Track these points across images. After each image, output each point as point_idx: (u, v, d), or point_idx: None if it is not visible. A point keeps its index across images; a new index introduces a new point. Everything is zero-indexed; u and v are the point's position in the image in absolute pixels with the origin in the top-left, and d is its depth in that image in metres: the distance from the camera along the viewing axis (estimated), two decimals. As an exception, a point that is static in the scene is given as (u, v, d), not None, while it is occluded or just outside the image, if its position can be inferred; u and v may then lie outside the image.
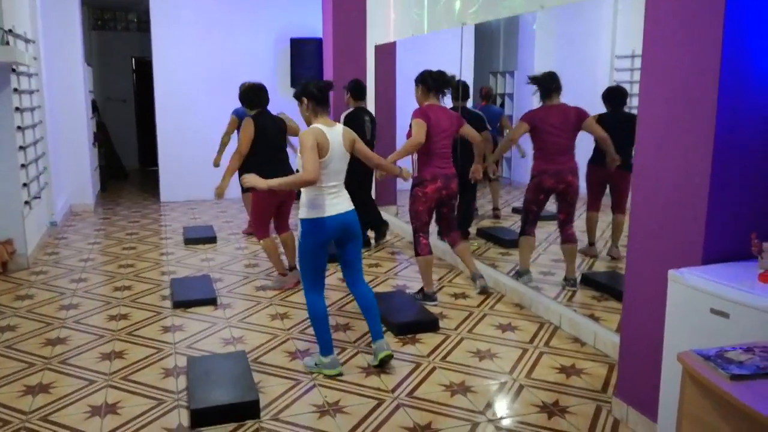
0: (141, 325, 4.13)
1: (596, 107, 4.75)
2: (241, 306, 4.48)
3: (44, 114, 6.36)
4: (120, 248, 6.07)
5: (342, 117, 5.72)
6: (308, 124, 3.41)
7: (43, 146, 6.30)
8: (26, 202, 5.34)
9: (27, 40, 5.80)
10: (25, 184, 5.32)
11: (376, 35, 7.10)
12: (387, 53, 7.05)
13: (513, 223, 6.30)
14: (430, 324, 4.03)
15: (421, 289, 4.54)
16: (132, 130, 11.54)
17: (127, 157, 11.06)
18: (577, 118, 4.31)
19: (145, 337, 3.93)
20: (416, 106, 4.40)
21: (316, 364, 3.46)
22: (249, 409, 2.98)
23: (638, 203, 2.78)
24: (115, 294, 4.73)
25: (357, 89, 5.80)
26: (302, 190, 3.34)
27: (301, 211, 3.34)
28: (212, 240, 6.27)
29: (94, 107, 9.04)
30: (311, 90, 3.40)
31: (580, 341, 3.85)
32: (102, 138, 9.41)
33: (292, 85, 8.51)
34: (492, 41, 7.06)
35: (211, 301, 4.51)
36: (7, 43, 4.88)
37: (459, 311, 4.38)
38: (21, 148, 5.23)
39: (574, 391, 3.24)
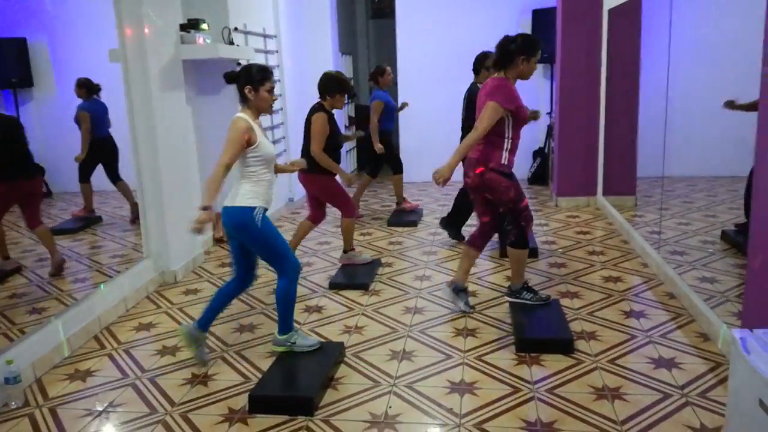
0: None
1: None
2: (388, 294, 4.40)
3: (285, 102, 7.09)
4: (331, 226, 6.47)
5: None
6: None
7: (283, 131, 7.06)
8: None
9: (266, 36, 6.54)
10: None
11: (611, -2, 6.16)
12: (625, 15, 6.05)
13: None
14: (561, 345, 3.37)
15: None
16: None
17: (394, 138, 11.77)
18: None
19: (284, 314, 4.13)
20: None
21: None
22: (302, 406, 2.91)
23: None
24: (295, 269, 5.07)
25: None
26: None
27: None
28: (413, 224, 6.27)
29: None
30: None
31: (756, 400, 2.79)
32: (358, 120, 10.11)
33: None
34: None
35: (363, 286, 4.52)
36: (231, 42, 5.56)
37: (618, 333, 3.58)
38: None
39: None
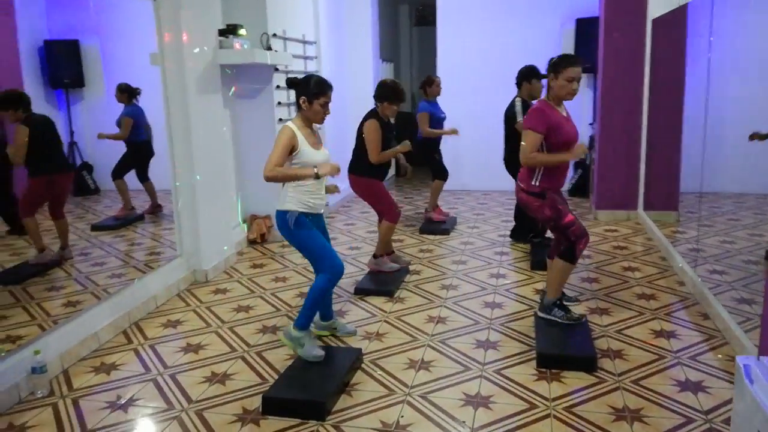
0: (317, 306, 4.38)
1: None
2: (413, 302, 4.37)
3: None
4: (364, 231, 6.49)
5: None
6: None
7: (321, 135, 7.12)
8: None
9: (305, 42, 6.62)
10: (284, 168, 6.11)
11: (655, 7, 5.98)
12: (669, 25, 5.88)
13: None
14: (583, 362, 3.28)
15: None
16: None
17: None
18: None
19: (308, 318, 4.15)
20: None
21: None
22: (314, 410, 2.92)
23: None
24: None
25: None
26: None
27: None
28: (445, 232, 6.22)
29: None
30: None
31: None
32: (398, 126, 10.09)
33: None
34: None
35: (388, 293, 4.51)
36: (269, 47, 5.65)
37: (646, 352, 3.47)
38: (282, 136, 6.01)
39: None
